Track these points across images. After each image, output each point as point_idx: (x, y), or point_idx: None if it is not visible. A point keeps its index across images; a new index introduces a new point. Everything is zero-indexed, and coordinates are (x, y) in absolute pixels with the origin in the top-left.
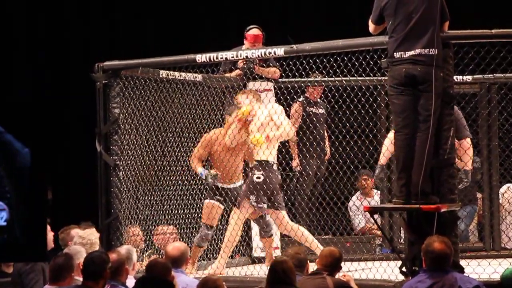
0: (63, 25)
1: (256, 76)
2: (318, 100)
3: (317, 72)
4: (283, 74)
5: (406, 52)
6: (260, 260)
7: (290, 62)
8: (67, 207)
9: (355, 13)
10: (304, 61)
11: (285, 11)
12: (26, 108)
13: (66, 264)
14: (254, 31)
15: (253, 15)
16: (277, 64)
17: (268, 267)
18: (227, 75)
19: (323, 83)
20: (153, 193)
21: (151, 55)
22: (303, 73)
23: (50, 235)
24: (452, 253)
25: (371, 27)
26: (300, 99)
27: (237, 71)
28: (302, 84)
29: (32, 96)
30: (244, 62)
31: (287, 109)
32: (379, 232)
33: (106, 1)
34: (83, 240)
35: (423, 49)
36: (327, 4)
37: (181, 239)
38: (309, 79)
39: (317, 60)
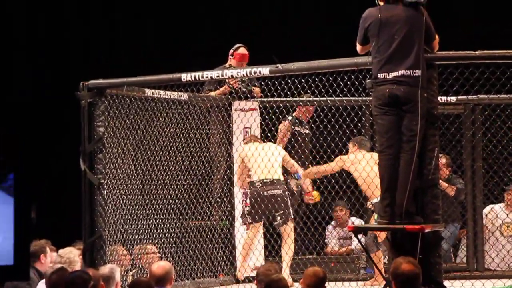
0: (63, 25)
1: (242, 96)
2: (308, 119)
3: (309, 92)
4: (268, 94)
5: (390, 73)
6: (250, 280)
7: (276, 82)
8: (52, 226)
9: (355, 13)
10: (289, 81)
11: (285, 11)
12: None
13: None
14: (242, 50)
15: (253, 15)
16: (256, 83)
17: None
18: (213, 93)
19: (308, 103)
20: (138, 211)
21: (152, 55)
22: (288, 92)
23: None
24: (420, 272)
25: (358, 47)
26: (290, 118)
27: (224, 88)
28: (287, 104)
29: (32, 97)
30: (239, 83)
31: (272, 128)
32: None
33: (106, 1)
34: (62, 259)
35: (406, 71)
36: (327, 4)
37: (165, 258)
38: (294, 98)
39: (302, 80)
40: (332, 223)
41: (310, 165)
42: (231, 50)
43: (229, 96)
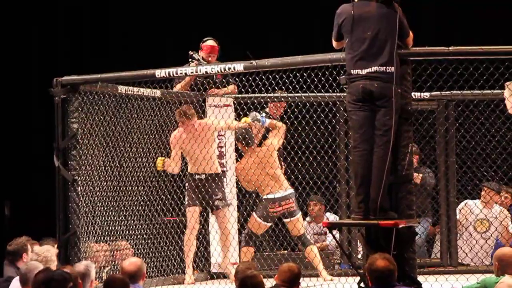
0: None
1: (211, 81)
2: (277, 116)
3: (277, 88)
4: (242, 90)
5: (363, 70)
6: (218, 276)
7: (250, 78)
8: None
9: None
10: (263, 77)
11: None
12: None
13: None
14: (210, 42)
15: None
16: (231, 80)
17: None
18: (179, 85)
19: (282, 99)
20: (112, 208)
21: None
22: (262, 88)
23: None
24: (395, 268)
25: (334, 43)
26: (264, 115)
27: (189, 78)
28: (262, 100)
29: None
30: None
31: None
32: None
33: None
34: (39, 257)
35: (379, 67)
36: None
37: (139, 255)
38: (268, 94)
39: (277, 76)
40: (307, 218)
41: (281, 163)
42: (200, 43)
43: (200, 87)
